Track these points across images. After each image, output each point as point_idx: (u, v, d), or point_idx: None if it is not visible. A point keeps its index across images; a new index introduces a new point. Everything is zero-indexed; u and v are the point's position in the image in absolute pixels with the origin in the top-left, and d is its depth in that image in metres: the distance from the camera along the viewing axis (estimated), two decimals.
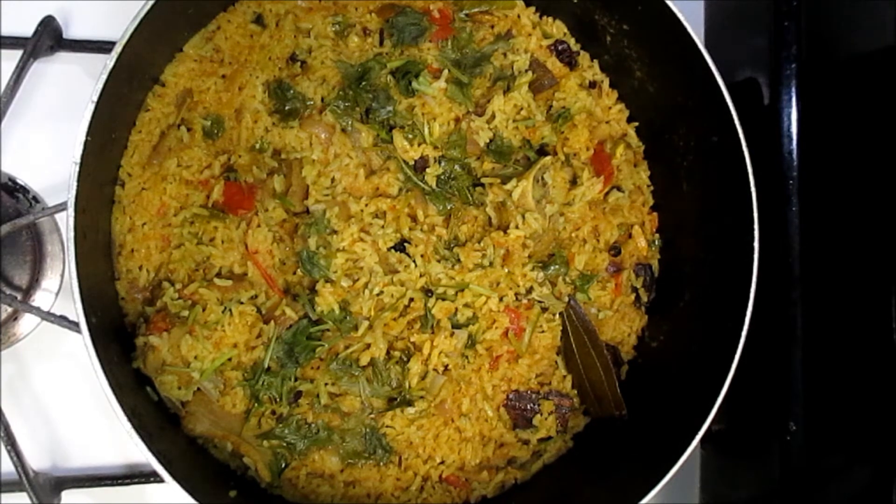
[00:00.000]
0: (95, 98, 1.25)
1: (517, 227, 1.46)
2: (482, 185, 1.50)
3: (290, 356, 1.42)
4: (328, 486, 1.45)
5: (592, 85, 1.60)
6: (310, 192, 1.44)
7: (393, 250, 1.44)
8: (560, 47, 1.58)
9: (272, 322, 1.42)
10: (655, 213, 1.61)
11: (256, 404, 1.42)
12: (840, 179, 1.56)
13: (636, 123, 1.62)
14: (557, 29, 1.59)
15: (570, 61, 1.59)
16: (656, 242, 1.61)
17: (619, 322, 1.58)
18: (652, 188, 1.62)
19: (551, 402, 1.51)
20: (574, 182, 1.54)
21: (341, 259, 1.41)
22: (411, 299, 1.44)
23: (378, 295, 1.42)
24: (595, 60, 1.62)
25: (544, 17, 1.59)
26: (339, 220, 1.42)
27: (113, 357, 1.32)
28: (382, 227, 1.44)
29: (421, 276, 1.44)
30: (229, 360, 1.40)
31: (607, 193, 1.56)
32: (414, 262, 1.44)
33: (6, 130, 1.61)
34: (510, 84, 1.52)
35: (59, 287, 1.63)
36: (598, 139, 1.58)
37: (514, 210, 1.47)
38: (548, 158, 1.51)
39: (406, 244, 1.45)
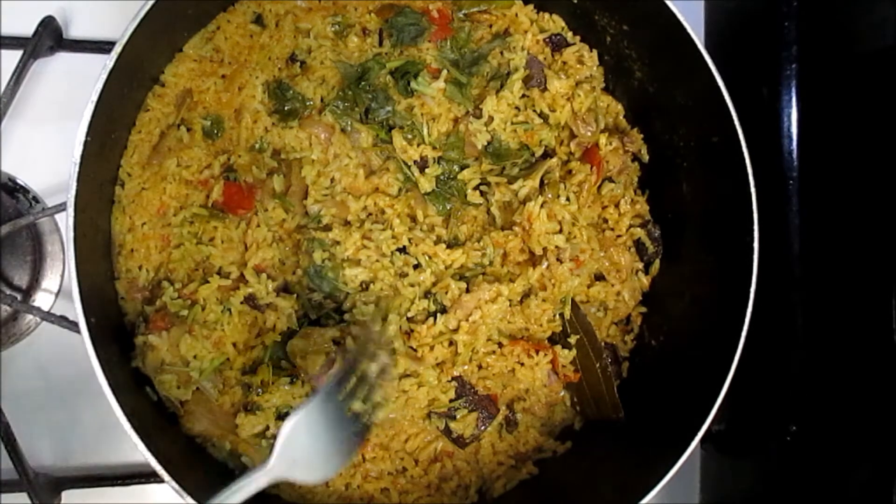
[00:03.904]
0: (95, 98, 1.25)
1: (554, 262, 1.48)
2: (487, 184, 1.51)
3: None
4: (325, 486, 1.46)
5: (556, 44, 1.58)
6: (309, 191, 1.44)
7: (398, 252, 1.45)
8: (556, 39, 1.58)
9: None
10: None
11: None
12: (840, 179, 1.56)
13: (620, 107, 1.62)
14: (555, 27, 1.59)
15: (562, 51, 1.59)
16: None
17: (622, 288, 1.57)
18: (640, 173, 1.62)
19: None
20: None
21: (351, 273, 1.42)
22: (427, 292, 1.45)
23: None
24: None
25: (542, 14, 1.59)
26: (339, 229, 1.43)
27: (112, 357, 1.32)
28: (382, 230, 1.44)
29: (431, 274, 1.45)
30: (228, 359, 1.40)
31: (600, 186, 1.56)
32: (418, 262, 1.45)
33: (6, 130, 1.61)
34: (503, 83, 1.52)
35: (59, 287, 1.63)
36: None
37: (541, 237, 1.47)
38: (553, 160, 1.51)
39: (407, 244, 1.45)
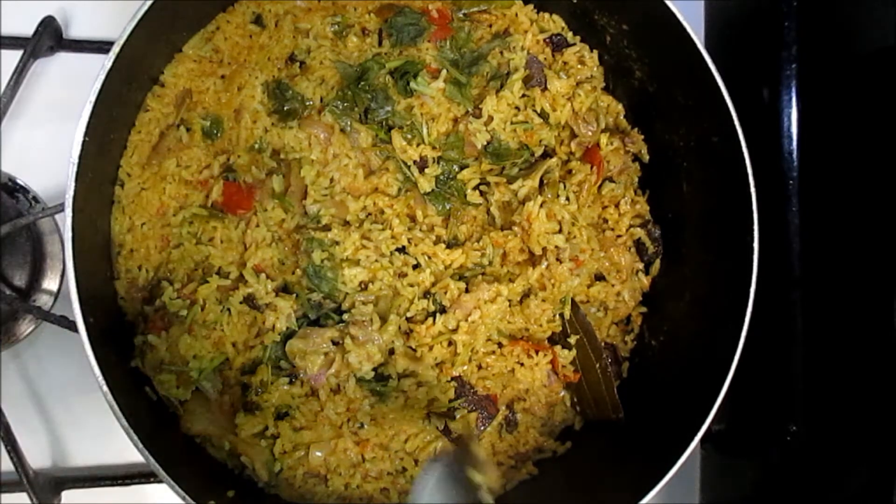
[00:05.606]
0: (93, 98, 1.25)
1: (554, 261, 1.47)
2: (487, 183, 1.50)
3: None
4: (324, 486, 1.45)
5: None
6: (308, 192, 1.44)
7: (397, 252, 1.45)
8: (556, 39, 1.58)
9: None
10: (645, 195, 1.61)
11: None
12: (840, 179, 1.55)
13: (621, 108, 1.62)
14: (555, 27, 1.59)
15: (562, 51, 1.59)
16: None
17: (623, 288, 1.58)
18: (640, 173, 1.62)
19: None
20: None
21: (350, 272, 1.42)
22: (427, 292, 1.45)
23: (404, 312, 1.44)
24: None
25: (541, 14, 1.59)
26: (339, 229, 1.43)
27: (111, 356, 1.32)
28: (382, 230, 1.44)
29: (431, 274, 1.45)
30: (227, 359, 1.40)
31: (600, 186, 1.56)
32: (417, 262, 1.45)
33: (6, 130, 1.61)
34: (503, 83, 1.52)
35: (58, 287, 1.64)
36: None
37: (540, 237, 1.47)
38: (553, 160, 1.51)
39: (406, 244, 1.45)
